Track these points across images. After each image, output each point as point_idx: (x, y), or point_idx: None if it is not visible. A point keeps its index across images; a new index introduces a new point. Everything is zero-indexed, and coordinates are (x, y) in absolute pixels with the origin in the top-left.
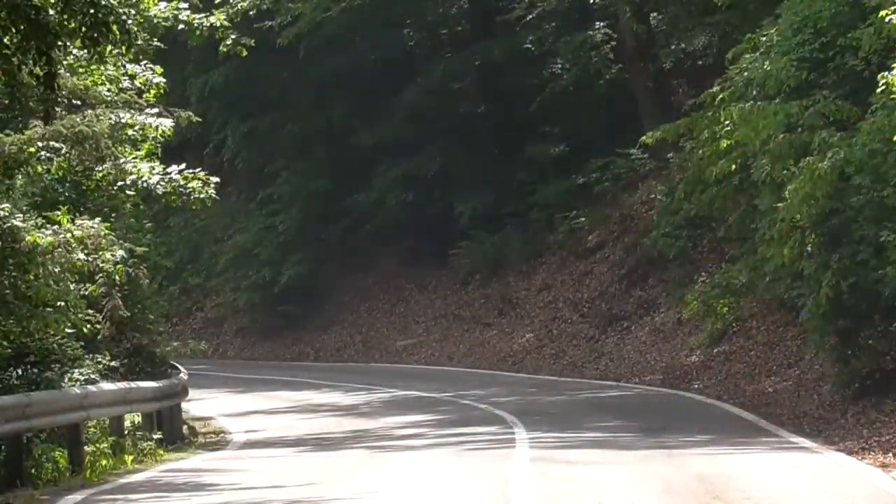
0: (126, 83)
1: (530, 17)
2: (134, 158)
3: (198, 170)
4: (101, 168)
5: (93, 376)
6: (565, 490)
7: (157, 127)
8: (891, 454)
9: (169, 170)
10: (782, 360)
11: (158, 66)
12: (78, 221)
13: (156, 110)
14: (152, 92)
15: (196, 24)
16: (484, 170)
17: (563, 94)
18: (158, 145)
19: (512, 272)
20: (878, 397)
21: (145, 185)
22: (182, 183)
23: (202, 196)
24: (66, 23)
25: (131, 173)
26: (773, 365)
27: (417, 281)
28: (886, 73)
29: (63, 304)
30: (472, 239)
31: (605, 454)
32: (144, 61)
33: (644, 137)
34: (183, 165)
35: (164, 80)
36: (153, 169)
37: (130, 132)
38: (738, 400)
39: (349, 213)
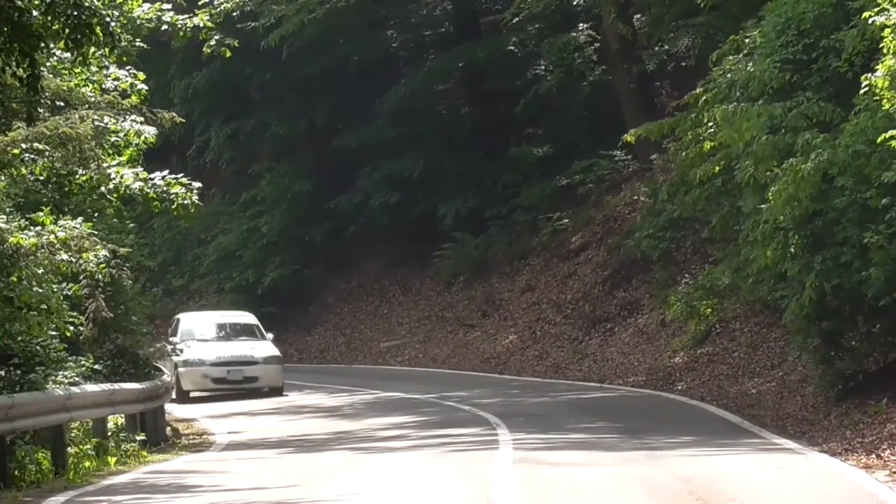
0: (109, 84)
1: (516, 19)
2: (116, 164)
3: (180, 175)
4: (84, 171)
5: (76, 378)
6: (549, 491)
7: (140, 134)
8: (874, 455)
9: (152, 176)
10: (766, 362)
11: (141, 73)
12: (61, 222)
13: (140, 118)
14: (134, 98)
15: (179, 25)
16: (467, 171)
17: (546, 95)
18: (141, 152)
19: (496, 274)
20: (862, 399)
21: (128, 190)
22: (165, 188)
23: (185, 202)
24: (49, 25)
25: (113, 178)
26: (756, 366)
27: (401, 282)
28: (870, 75)
29: (46, 306)
30: (456, 240)
31: (589, 455)
32: (128, 66)
33: (626, 136)
34: (166, 172)
35: (146, 86)
36: (136, 175)
37: (114, 138)
38: (721, 401)
39: (333, 215)
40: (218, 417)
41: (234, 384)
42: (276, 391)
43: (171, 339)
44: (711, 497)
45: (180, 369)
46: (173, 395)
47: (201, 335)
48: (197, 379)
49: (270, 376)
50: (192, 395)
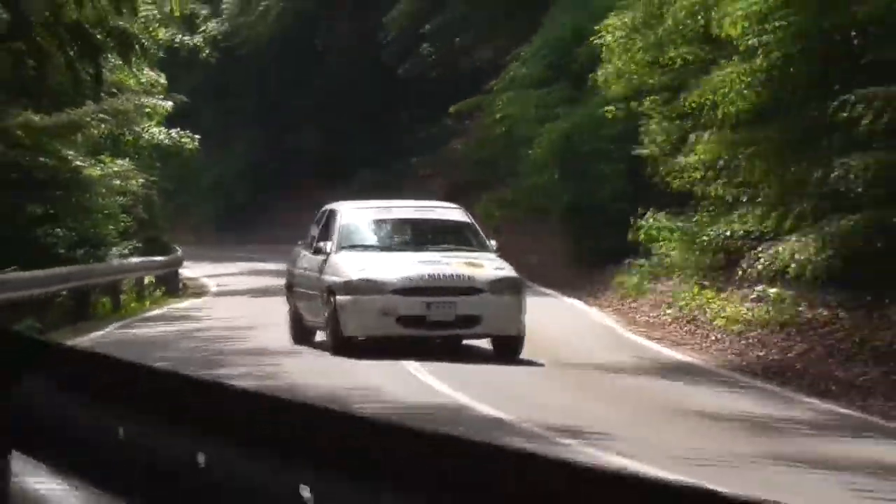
0: (144, 79)
1: None
2: (148, 125)
3: (186, 130)
4: (129, 132)
5: (125, 252)
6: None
7: (163, 106)
8: (602, 299)
9: (171, 131)
10: (540, 245)
11: (163, 74)
12: (118, 161)
13: (161, 97)
14: (160, 89)
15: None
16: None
17: None
18: (163, 118)
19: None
20: (600, 266)
21: (156, 142)
22: (179, 140)
23: (190, 147)
24: (107, 42)
25: (146, 137)
26: (532, 248)
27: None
28: (594, 74)
29: (108, 211)
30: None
31: None
32: (155, 69)
33: (451, 108)
34: (178, 129)
35: (165, 81)
36: (160, 132)
37: (147, 109)
38: None
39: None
40: (211, 277)
41: (437, 327)
42: (509, 345)
43: (318, 244)
44: None
45: (339, 298)
46: (323, 339)
47: (373, 240)
48: (370, 318)
49: (500, 317)
50: (362, 342)
